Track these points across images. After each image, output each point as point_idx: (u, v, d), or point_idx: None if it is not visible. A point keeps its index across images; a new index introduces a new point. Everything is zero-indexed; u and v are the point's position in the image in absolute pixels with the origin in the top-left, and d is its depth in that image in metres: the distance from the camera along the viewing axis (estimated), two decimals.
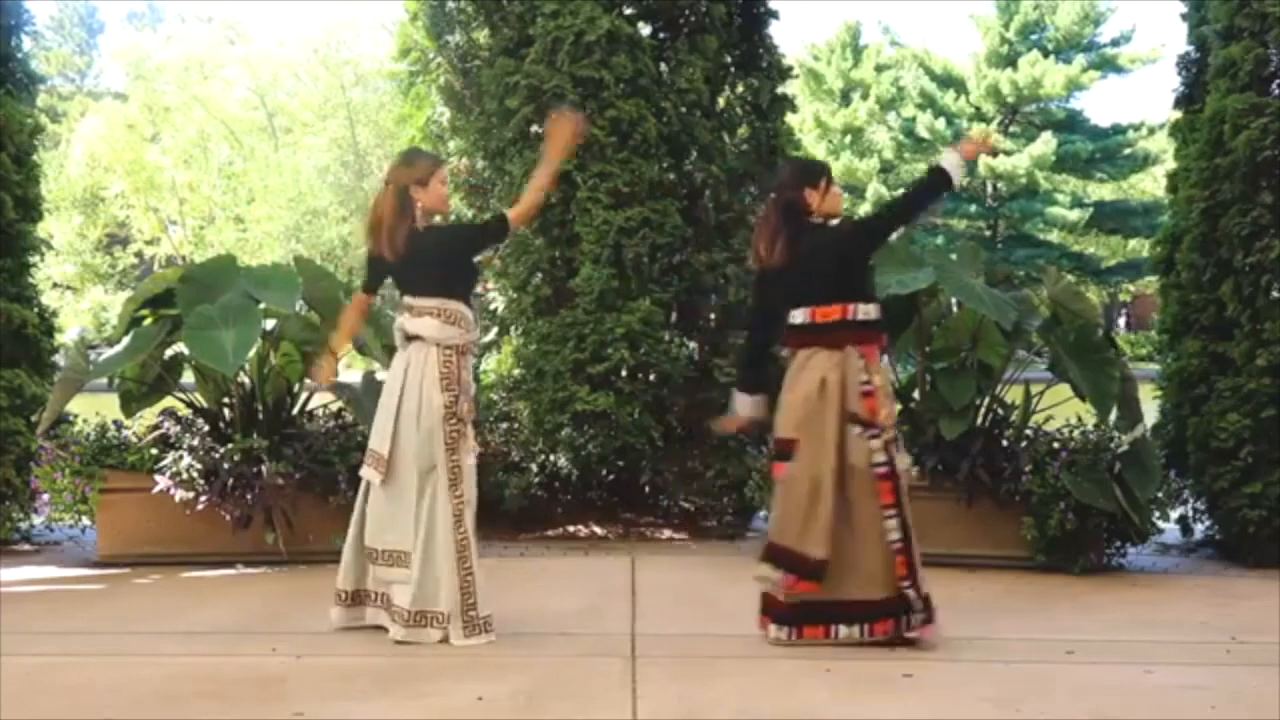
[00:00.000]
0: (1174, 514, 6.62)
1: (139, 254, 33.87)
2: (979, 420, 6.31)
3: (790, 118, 7.93)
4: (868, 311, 4.60)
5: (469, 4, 7.66)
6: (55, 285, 28.13)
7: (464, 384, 4.65)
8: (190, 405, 6.41)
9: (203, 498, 5.91)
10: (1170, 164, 7.46)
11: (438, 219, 4.84)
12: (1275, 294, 6.27)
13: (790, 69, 7.87)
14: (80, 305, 29.41)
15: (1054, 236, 36.27)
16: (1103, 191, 37.86)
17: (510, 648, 4.57)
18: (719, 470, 7.02)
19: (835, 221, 4.81)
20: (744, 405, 4.89)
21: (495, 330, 7.55)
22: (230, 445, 5.97)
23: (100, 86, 42.06)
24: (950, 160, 4.66)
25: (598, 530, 7.07)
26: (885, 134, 37.48)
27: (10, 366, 6.63)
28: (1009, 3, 36.41)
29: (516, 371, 7.23)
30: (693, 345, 7.35)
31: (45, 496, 6.17)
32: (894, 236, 5.50)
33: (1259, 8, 6.34)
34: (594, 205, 6.88)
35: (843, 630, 4.57)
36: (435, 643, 4.57)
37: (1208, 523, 6.80)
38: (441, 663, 4.40)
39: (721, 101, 7.56)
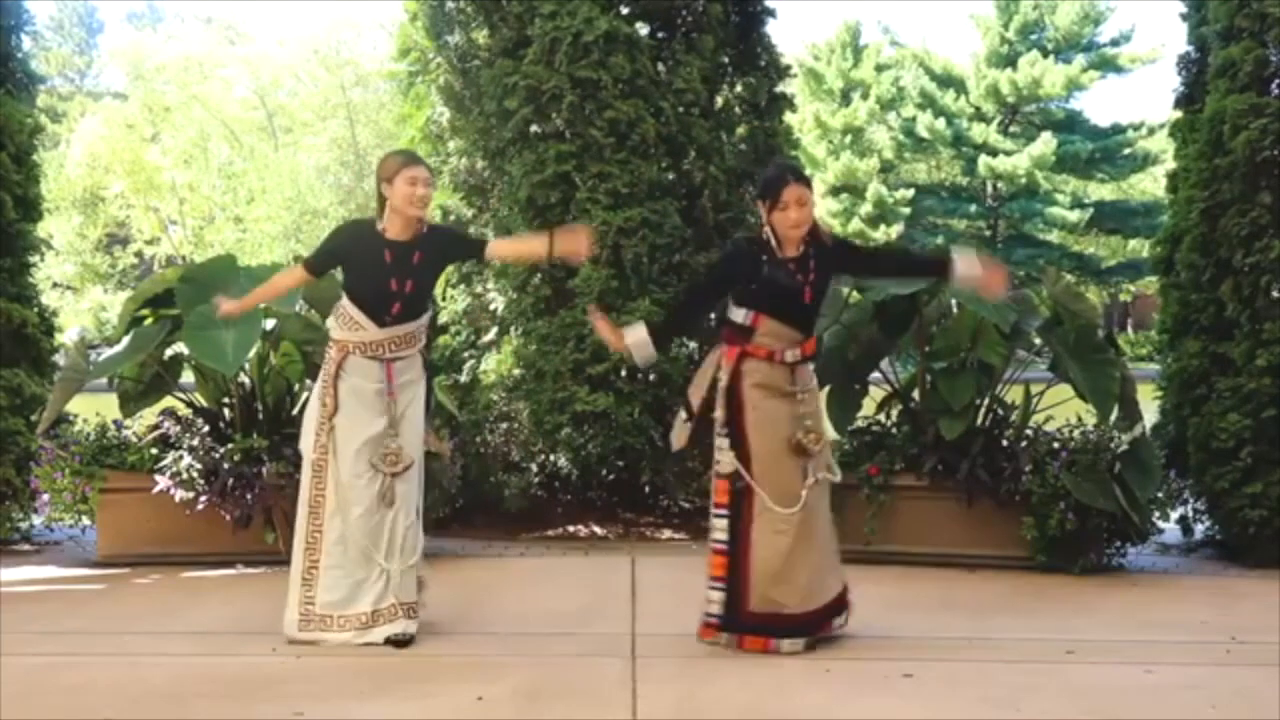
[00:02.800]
0: (1174, 514, 6.62)
1: (139, 254, 33.91)
2: (979, 420, 6.31)
3: (790, 117, 7.95)
4: (735, 312, 4.59)
5: (468, 4, 7.66)
6: (55, 285, 28.16)
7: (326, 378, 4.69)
8: (190, 405, 6.41)
9: (203, 498, 5.91)
10: (1170, 164, 7.46)
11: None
12: (1275, 294, 6.26)
13: (788, 68, 7.88)
14: (80, 305, 29.43)
15: (1054, 236, 36.30)
16: (1103, 191, 37.88)
17: (510, 648, 4.57)
18: None
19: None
20: (636, 340, 4.69)
21: (495, 330, 7.55)
22: (230, 445, 5.97)
23: (100, 86, 42.12)
24: (963, 267, 4.61)
25: (598, 530, 7.07)
26: (885, 134, 37.51)
27: (10, 366, 6.64)
28: (1009, 3, 36.44)
29: (516, 371, 7.24)
30: (692, 345, 7.35)
31: (45, 496, 6.17)
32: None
33: (1259, 8, 6.34)
34: (593, 206, 6.88)
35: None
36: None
37: (1208, 523, 6.80)
38: (441, 663, 4.40)
39: (719, 101, 7.57)
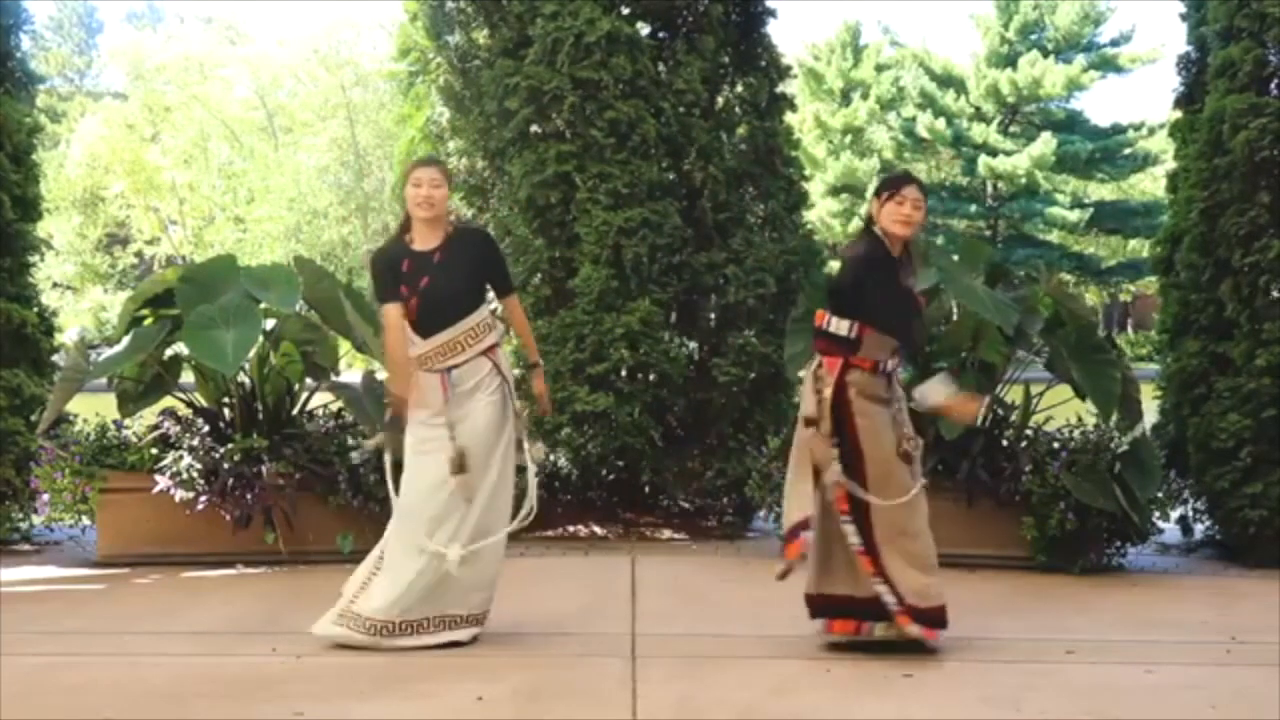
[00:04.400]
0: (1174, 514, 6.62)
1: (139, 254, 33.92)
2: (979, 420, 6.30)
3: (790, 117, 7.93)
4: (838, 326, 4.54)
5: (469, 4, 7.66)
6: (55, 285, 28.16)
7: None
8: (190, 405, 6.41)
9: (203, 498, 5.91)
10: (1170, 164, 7.47)
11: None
12: (1274, 294, 6.27)
13: (789, 68, 7.86)
14: (80, 305, 29.42)
15: (1054, 236, 36.29)
16: (1103, 191, 37.87)
17: (510, 648, 4.57)
18: (719, 470, 7.02)
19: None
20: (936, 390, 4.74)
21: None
22: (230, 445, 5.97)
23: (100, 86, 42.07)
24: (920, 395, 4.70)
25: (598, 530, 7.07)
26: (885, 134, 37.48)
27: (10, 366, 6.64)
28: (1009, 3, 36.42)
29: (517, 371, 7.22)
30: (692, 345, 7.35)
31: (45, 496, 6.17)
32: None
33: (1258, 8, 6.34)
34: (593, 206, 6.88)
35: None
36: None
37: (1208, 523, 6.80)
38: (441, 663, 4.40)
39: (720, 101, 7.56)
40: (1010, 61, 35.94)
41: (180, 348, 6.35)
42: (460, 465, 4.47)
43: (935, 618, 4.55)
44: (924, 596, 4.52)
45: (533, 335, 4.94)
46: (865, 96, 38.08)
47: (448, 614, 4.58)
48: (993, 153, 35.19)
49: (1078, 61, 35.68)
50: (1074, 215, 34.84)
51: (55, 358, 7.00)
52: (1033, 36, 36.41)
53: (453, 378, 4.55)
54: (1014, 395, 6.58)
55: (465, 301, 4.57)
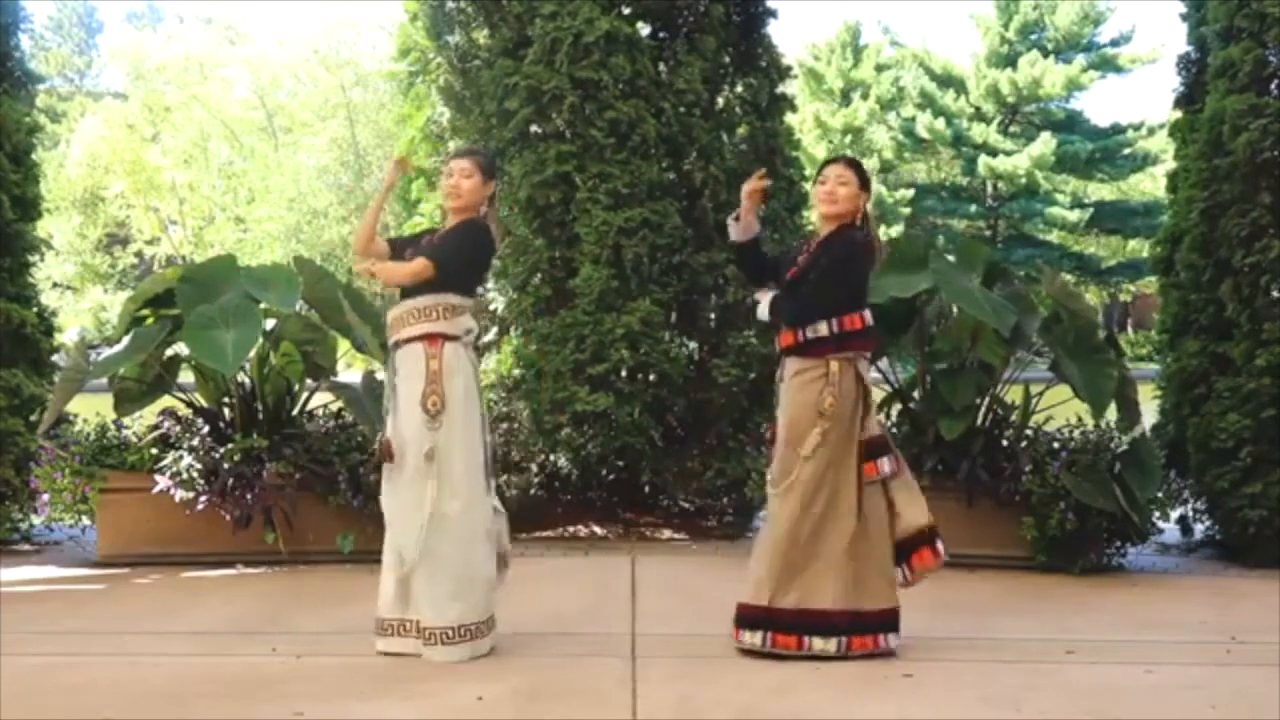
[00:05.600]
0: (1174, 514, 6.62)
1: (139, 254, 33.91)
2: (979, 420, 6.31)
3: (790, 117, 7.93)
4: None
5: (469, 4, 7.65)
6: (55, 285, 28.17)
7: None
8: (190, 405, 6.41)
9: (203, 498, 5.91)
10: (1170, 164, 7.47)
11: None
12: (1275, 294, 6.27)
13: (789, 68, 7.86)
14: (80, 305, 29.43)
15: (1054, 236, 36.29)
16: (1103, 191, 37.86)
17: (510, 648, 4.57)
18: (719, 470, 7.02)
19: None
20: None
21: (495, 330, 7.54)
22: (230, 445, 5.97)
23: (100, 86, 42.04)
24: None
25: (598, 530, 7.08)
26: (885, 134, 37.45)
27: (9, 366, 6.64)
28: (1009, 3, 36.42)
29: (516, 371, 7.24)
30: (692, 345, 7.36)
31: (45, 496, 6.17)
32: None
33: (1258, 8, 6.34)
34: (593, 206, 6.88)
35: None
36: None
37: (1208, 523, 6.80)
38: (442, 663, 4.39)
39: (720, 101, 7.56)
40: (1010, 61, 35.93)
41: (180, 348, 6.36)
42: (387, 454, 4.44)
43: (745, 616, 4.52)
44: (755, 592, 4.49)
45: (407, 276, 4.46)
46: (865, 96, 38.02)
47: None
48: (993, 153, 35.19)
49: (1077, 61, 35.67)
50: (1074, 215, 34.84)
51: (55, 358, 7.01)
52: (1033, 36, 36.40)
53: (395, 360, 4.50)
54: (1014, 395, 6.59)
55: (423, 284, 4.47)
